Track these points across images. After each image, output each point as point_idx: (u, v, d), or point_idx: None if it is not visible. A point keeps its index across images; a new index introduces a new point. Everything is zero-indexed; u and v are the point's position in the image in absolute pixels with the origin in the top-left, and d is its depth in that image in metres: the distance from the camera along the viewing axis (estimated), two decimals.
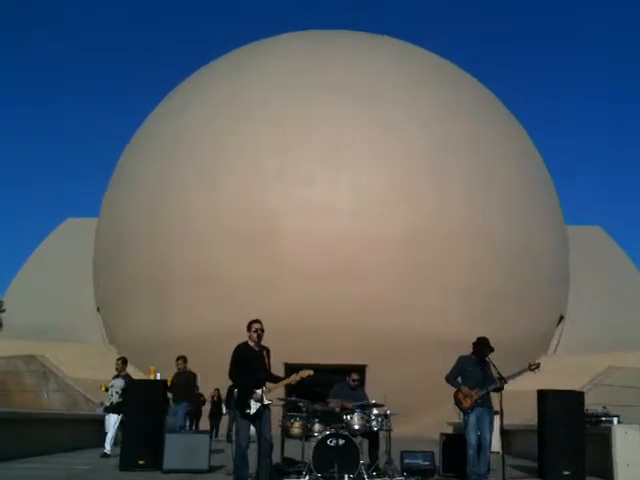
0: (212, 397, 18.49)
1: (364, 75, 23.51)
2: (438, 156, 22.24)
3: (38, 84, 69.82)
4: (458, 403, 8.48)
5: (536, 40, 70.72)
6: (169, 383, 11.07)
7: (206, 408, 18.40)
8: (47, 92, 70.82)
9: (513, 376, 8.09)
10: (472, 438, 8.26)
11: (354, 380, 9.69)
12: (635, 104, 68.96)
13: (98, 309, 26.42)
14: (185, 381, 11.80)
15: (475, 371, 8.45)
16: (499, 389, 8.27)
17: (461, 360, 8.68)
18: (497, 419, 8.24)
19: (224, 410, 17.77)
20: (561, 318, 25.95)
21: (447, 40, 70.11)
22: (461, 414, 8.53)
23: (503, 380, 8.01)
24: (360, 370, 10.94)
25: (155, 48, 75.29)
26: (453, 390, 8.58)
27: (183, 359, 11.97)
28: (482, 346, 8.51)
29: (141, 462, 9.17)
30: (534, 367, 8.17)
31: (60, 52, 71.73)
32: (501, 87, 68.88)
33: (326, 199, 21.23)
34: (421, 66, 25.75)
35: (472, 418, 8.31)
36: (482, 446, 8.27)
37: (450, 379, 8.60)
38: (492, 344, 8.40)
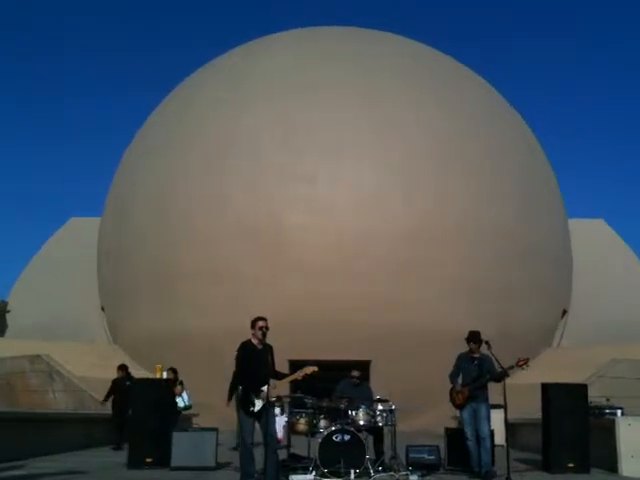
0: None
1: (366, 71, 23.46)
2: (440, 152, 22.22)
3: (38, 83, 69.79)
4: (452, 400, 8.86)
5: (543, 37, 70.38)
6: None
7: None
8: (48, 91, 70.83)
9: (506, 370, 8.27)
10: (468, 432, 8.62)
11: (354, 377, 9.80)
12: (637, 92, 68.74)
13: (102, 308, 26.50)
14: None
15: (470, 368, 8.75)
16: (488, 380, 8.56)
17: (459, 358, 8.99)
18: (501, 412, 8.37)
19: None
20: (564, 312, 25.96)
21: (452, 36, 69.56)
22: (457, 411, 8.89)
23: (504, 372, 8.21)
24: (364, 366, 11.01)
25: (155, 46, 75.19)
26: None
27: None
28: (472, 339, 8.80)
29: (149, 460, 9.28)
30: (522, 363, 8.39)
31: (61, 49, 71.62)
32: (501, 81, 68.70)
33: (328, 196, 21.27)
34: (424, 62, 25.71)
35: (465, 414, 8.69)
36: (480, 438, 8.52)
37: (451, 378, 8.92)
38: (496, 338, 8.56)
